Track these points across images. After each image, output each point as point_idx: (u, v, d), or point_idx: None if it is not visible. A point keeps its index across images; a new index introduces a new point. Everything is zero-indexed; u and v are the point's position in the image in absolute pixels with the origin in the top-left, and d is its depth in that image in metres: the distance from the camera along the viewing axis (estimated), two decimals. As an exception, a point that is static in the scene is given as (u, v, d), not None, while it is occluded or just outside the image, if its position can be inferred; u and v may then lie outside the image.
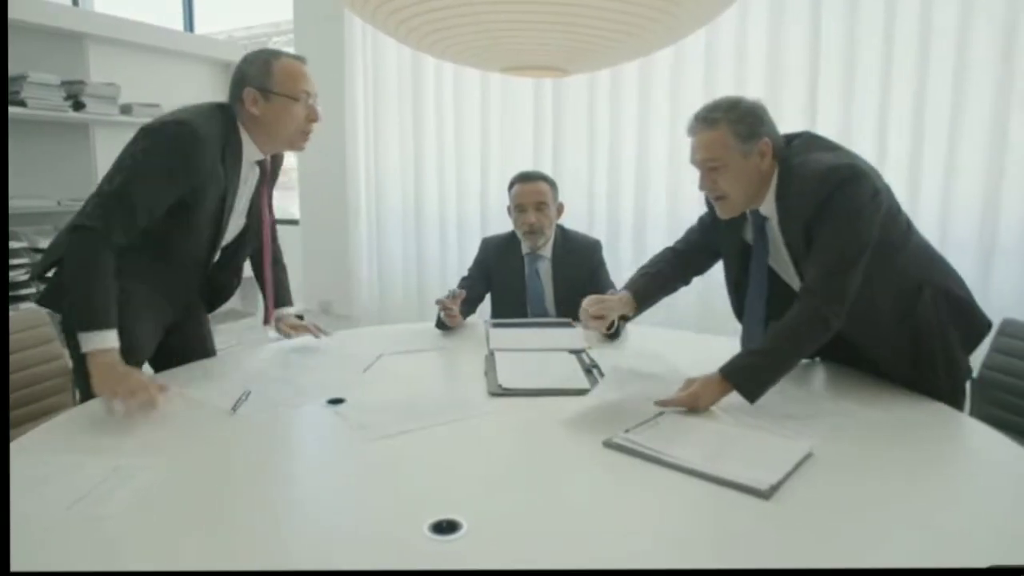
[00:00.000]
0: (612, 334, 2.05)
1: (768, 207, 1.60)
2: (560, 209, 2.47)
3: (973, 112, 2.65)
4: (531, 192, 2.39)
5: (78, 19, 3.22)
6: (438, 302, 2.21)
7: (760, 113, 1.57)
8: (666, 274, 1.86)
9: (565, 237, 2.48)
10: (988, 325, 1.66)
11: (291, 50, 2.11)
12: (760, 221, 1.64)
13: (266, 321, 2.05)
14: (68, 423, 1.47)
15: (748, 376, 1.45)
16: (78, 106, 3.07)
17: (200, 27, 4.72)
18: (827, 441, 1.31)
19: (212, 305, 2.02)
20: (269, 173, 1.89)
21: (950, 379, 1.59)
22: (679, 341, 1.96)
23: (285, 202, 4.59)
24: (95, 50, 3.25)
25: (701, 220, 1.89)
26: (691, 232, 1.91)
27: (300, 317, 2.12)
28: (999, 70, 2.58)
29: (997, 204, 2.65)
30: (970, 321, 1.63)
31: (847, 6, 2.81)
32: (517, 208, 2.40)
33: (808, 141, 1.62)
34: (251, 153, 1.76)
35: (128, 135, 1.66)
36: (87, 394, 1.61)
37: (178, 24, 4.65)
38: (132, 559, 0.95)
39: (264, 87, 1.68)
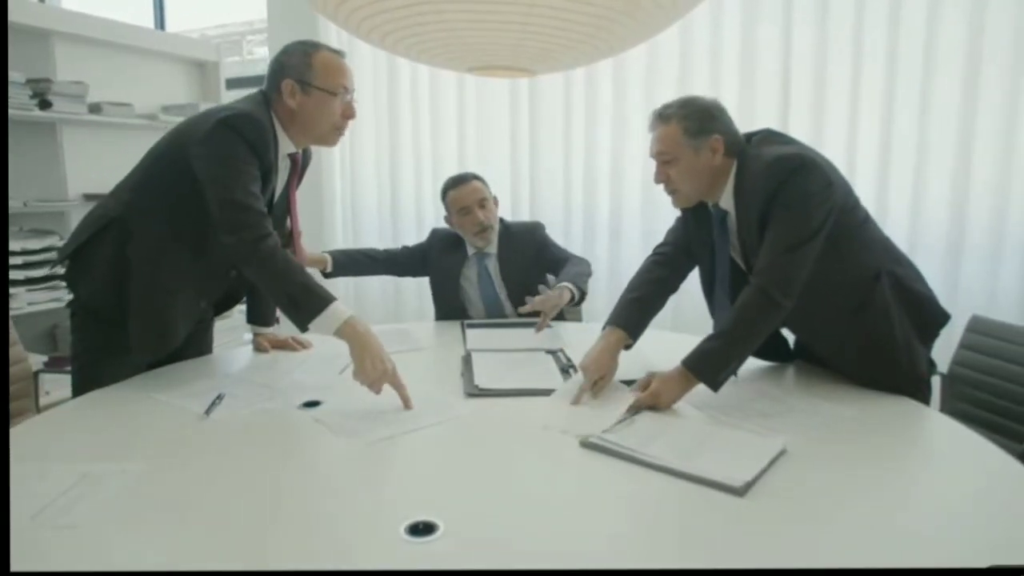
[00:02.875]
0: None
1: (727, 201, 1.66)
2: (496, 202, 2.49)
3: (943, 112, 2.70)
4: (470, 192, 2.40)
5: (44, 16, 3.14)
6: None
7: (713, 111, 1.63)
8: (651, 295, 1.82)
9: (508, 230, 2.49)
10: (945, 317, 1.69)
11: (265, 49, 2.08)
12: (721, 215, 1.69)
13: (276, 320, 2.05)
14: (32, 428, 1.43)
15: (706, 362, 1.49)
16: (44, 105, 3.00)
17: (172, 25, 4.64)
18: (800, 438, 1.32)
19: (220, 308, 2.00)
20: (300, 168, 1.87)
21: (912, 368, 1.61)
22: (655, 340, 1.97)
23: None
24: (62, 48, 3.17)
25: (678, 219, 1.89)
26: (672, 232, 1.90)
27: (277, 320, 2.09)
28: (967, 72, 2.63)
29: (965, 204, 2.71)
30: (926, 312, 1.66)
31: (819, 5, 2.85)
32: (461, 211, 2.40)
33: (765, 137, 1.67)
34: (285, 146, 1.74)
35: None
36: (81, 388, 1.64)
37: (149, 22, 4.57)
38: (101, 568, 0.92)
39: (303, 79, 1.66)
